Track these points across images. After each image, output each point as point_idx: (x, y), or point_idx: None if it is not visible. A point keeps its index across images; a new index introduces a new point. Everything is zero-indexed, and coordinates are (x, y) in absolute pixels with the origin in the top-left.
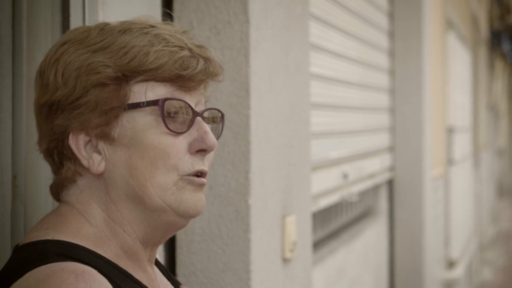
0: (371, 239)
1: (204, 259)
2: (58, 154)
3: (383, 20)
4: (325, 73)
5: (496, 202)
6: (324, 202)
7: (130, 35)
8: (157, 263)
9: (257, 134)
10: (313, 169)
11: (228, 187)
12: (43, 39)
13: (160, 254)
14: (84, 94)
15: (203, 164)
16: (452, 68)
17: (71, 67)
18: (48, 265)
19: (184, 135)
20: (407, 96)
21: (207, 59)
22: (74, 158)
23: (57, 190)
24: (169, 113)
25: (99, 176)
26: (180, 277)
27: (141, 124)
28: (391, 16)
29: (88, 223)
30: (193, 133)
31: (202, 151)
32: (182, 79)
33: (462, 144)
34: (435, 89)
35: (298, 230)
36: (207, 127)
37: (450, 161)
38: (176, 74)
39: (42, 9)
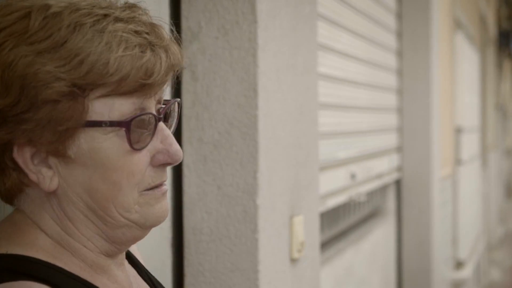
0: (379, 239)
1: (212, 259)
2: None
3: (391, 20)
4: (333, 73)
5: (504, 202)
6: (332, 202)
7: (82, 36)
8: (132, 261)
9: (265, 134)
10: (321, 169)
11: (236, 187)
12: None
13: (167, 254)
14: (31, 109)
15: (164, 175)
16: (460, 68)
17: (13, 72)
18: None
19: (147, 147)
20: (415, 96)
21: (167, 49)
22: (18, 169)
23: (7, 196)
24: (134, 131)
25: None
26: (188, 277)
27: (102, 144)
28: (399, 16)
29: (44, 233)
30: (156, 144)
31: (166, 164)
32: (147, 87)
33: (470, 144)
34: (443, 89)
35: (306, 230)
36: (171, 136)
37: (458, 161)
38: (140, 84)
39: None
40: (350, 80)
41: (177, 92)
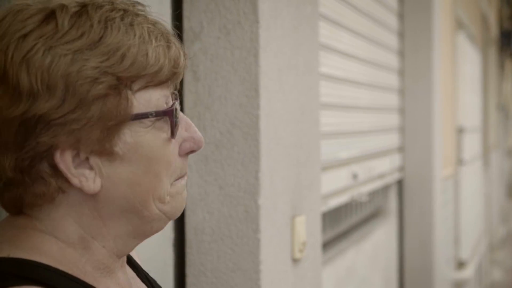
0: (380, 239)
1: (213, 259)
2: (33, 171)
3: (392, 20)
4: (335, 73)
5: (506, 203)
6: (334, 202)
7: (117, 30)
8: (131, 263)
9: (267, 134)
10: (323, 169)
11: (237, 187)
12: None
13: (169, 254)
14: (78, 107)
15: (187, 165)
16: (462, 68)
17: (54, 73)
18: None
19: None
20: (416, 96)
21: (174, 42)
22: (57, 175)
23: (18, 205)
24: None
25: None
26: (189, 277)
27: (145, 137)
28: (401, 16)
29: (52, 238)
30: (182, 132)
31: (191, 152)
32: (176, 77)
33: (472, 144)
34: (445, 89)
35: (308, 230)
36: (193, 124)
37: (460, 161)
38: (172, 73)
39: None
40: (352, 80)
41: (178, 92)
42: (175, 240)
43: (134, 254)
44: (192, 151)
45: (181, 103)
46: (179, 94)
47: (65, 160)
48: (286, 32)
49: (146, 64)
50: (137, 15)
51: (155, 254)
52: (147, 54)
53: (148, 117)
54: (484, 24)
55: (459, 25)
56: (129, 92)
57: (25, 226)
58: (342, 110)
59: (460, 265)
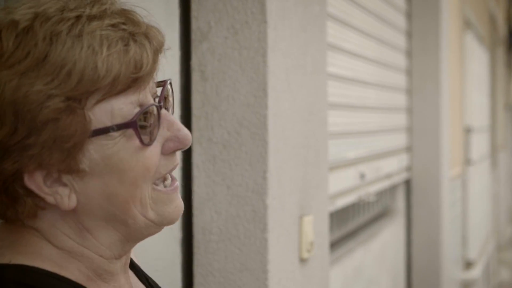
0: (388, 239)
1: (221, 259)
2: (7, 194)
3: (400, 20)
4: (343, 73)
5: None
6: (341, 202)
7: (62, 45)
8: (132, 266)
9: (275, 134)
10: (330, 169)
11: (245, 187)
12: None
13: (177, 254)
14: (31, 133)
15: (176, 159)
16: (470, 68)
17: (1, 100)
18: None
19: (156, 138)
20: (424, 96)
21: (147, 35)
22: (32, 195)
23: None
24: (140, 126)
25: None
26: (197, 277)
27: (113, 149)
28: (409, 15)
29: (50, 243)
30: (163, 133)
31: (177, 150)
32: (140, 80)
33: (479, 144)
34: (452, 89)
35: (315, 230)
36: (177, 121)
37: (467, 161)
38: (133, 79)
39: None
40: (360, 80)
41: (186, 92)
42: (183, 240)
43: (133, 255)
44: (177, 150)
45: (189, 103)
46: (187, 94)
47: (35, 181)
48: (294, 32)
49: (96, 78)
50: (93, 18)
51: (162, 254)
52: (96, 66)
53: (109, 131)
54: (492, 24)
55: (467, 25)
56: (85, 109)
57: (21, 231)
58: (350, 110)
59: (468, 265)
